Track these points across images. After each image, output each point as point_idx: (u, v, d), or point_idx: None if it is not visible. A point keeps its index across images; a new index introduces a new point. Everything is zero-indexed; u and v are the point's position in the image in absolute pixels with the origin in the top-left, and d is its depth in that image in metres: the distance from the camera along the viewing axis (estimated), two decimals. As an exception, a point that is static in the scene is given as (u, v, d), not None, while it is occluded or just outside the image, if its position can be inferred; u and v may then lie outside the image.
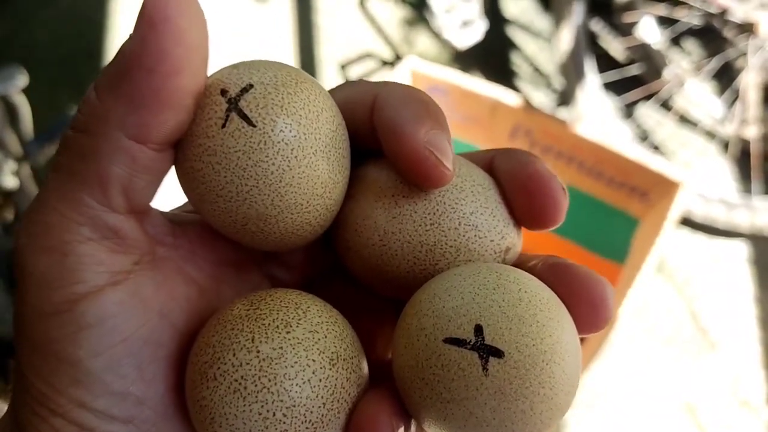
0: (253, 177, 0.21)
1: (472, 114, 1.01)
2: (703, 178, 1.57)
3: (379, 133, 0.23)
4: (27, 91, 1.25)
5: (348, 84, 0.25)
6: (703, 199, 1.45)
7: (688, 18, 1.48)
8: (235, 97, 0.21)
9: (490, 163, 0.25)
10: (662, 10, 1.50)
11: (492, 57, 1.73)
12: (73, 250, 0.20)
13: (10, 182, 1.21)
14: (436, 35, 1.65)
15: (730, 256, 1.49)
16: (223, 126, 0.21)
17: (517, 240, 0.24)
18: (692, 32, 1.59)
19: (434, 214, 0.23)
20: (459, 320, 0.20)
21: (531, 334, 0.20)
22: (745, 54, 1.42)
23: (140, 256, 0.22)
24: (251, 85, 0.21)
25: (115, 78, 0.20)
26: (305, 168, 0.21)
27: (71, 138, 0.20)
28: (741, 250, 1.49)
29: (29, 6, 1.84)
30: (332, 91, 0.24)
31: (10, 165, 1.21)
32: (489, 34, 1.63)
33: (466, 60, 1.70)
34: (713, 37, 1.52)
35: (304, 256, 0.27)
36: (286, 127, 0.21)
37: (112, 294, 0.21)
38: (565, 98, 1.58)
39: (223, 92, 0.21)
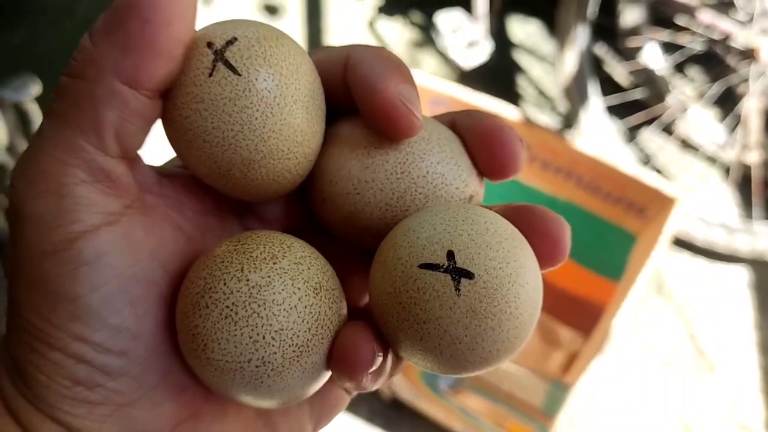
0: (238, 122, 0.22)
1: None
2: (704, 203, 1.57)
3: (352, 89, 0.24)
4: (40, 98, 1.28)
5: (321, 48, 0.26)
6: (704, 223, 1.46)
7: (692, 44, 1.49)
8: (221, 49, 0.22)
9: (452, 123, 0.26)
10: (666, 35, 1.52)
11: (497, 79, 1.75)
12: (70, 192, 0.21)
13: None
14: (443, 55, 1.68)
15: (730, 280, 1.49)
16: (210, 75, 0.22)
17: (480, 189, 0.26)
18: (695, 58, 1.61)
19: (404, 163, 0.25)
20: (432, 247, 0.22)
21: (498, 258, 0.21)
22: (746, 80, 1.43)
23: (131, 201, 0.23)
24: (236, 38, 0.23)
25: (110, 26, 0.21)
26: (286, 115, 0.23)
27: (66, 84, 0.22)
28: (741, 274, 1.49)
29: (47, 17, 1.88)
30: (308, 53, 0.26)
31: (21, 169, 1.23)
32: (495, 56, 1.65)
33: (472, 81, 1.72)
34: (716, 63, 1.54)
35: (280, 210, 0.28)
36: (268, 77, 0.22)
37: (106, 233, 0.22)
38: (568, 121, 1.60)
39: (209, 44, 0.22)
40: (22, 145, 1.26)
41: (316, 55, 0.26)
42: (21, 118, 1.27)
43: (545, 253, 0.23)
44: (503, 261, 0.21)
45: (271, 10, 1.90)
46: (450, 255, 0.22)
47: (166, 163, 0.28)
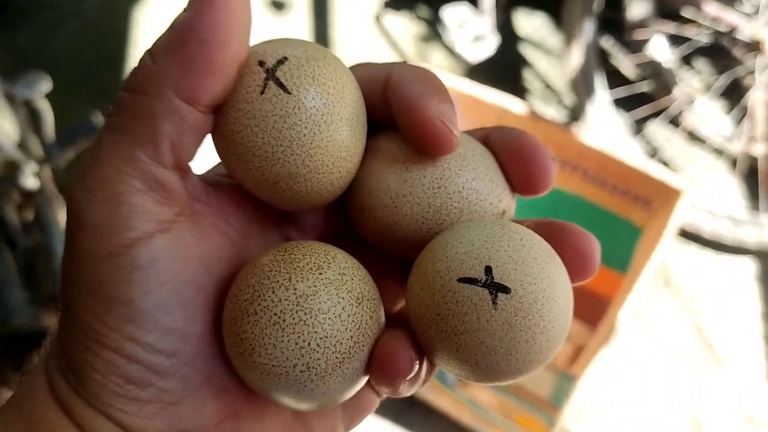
0: (287, 138, 0.23)
1: (480, 121, 1.04)
2: (711, 195, 1.58)
3: (393, 107, 0.26)
4: (50, 97, 1.29)
5: (362, 65, 0.27)
6: (710, 215, 1.46)
7: (698, 36, 1.49)
8: (272, 68, 0.23)
9: (486, 138, 0.28)
10: (672, 28, 1.52)
11: (504, 72, 1.76)
12: (127, 200, 0.23)
13: (31, 183, 1.24)
14: (449, 50, 1.68)
15: (737, 273, 1.49)
16: (262, 92, 0.23)
17: (512, 204, 0.27)
18: (702, 50, 1.61)
19: (441, 179, 0.26)
20: (471, 262, 0.23)
21: (533, 274, 0.23)
22: (753, 72, 1.43)
23: (182, 209, 0.24)
24: (286, 58, 0.24)
25: (170, 46, 0.22)
26: (332, 132, 0.24)
27: (126, 98, 0.23)
28: (748, 266, 1.50)
29: (56, 17, 1.90)
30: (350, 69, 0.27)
31: (32, 166, 1.24)
32: (502, 50, 1.66)
33: (479, 75, 1.73)
34: (722, 55, 1.54)
35: (319, 219, 0.30)
36: (317, 96, 0.24)
37: (160, 240, 0.23)
38: (575, 114, 1.60)
39: (261, 63, 0.24)
40: (33, 141, 1.27)
41: (358, 71, 0.27)
42: (32, 114, 1.29)
43: (576, 268, 0.24)
44: (538, 277, 0.23)
45: (278, 5, 1.90)
46: (488, 270, 0.23)
47: (209, 171, 0.29)
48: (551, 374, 1.02)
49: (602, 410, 1.33)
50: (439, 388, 1.21)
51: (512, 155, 0.26)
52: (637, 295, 0.99)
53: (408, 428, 1.31)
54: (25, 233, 1.22)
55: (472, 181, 0.26)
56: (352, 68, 0.27)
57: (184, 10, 0.23)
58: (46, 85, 1.27)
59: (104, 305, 0.23)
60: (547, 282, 0.23)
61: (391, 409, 1.32)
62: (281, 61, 0.24)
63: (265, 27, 1.86)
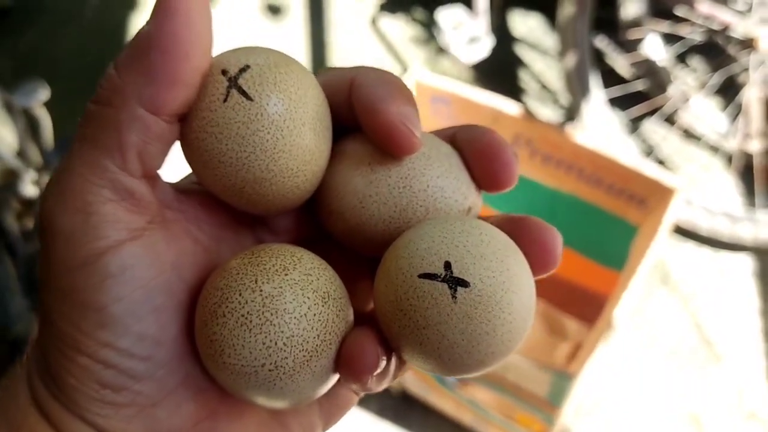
0: (250, 144, 0.24)
1: (474, 123, 1.04)
2: (707, 192, 1.58)
3: (356, 110, 0.26)
4: (49, 102, 1.29)
5: (327, 69, 0.28)
6: (707, 212, 1.47)
7: (692, 35, 1.50)
8: (234, 76, 0.24)
9: (453, 137, 0.28)
10: (666, 27, 1.53)
11: (500, 74, 1.76)
12: (97, 210, 0.23)
13: (30, 191, 1.25)
14: (445, 52, 1.69)
15: (735, 269, 1.50)
16: (225, 101, 0.24)
17: (478, 201, 0.28)
18: (696, 49, 1.61)
19: (406, 178, 0.26)
20: (431, 258, 0.23)
21: (492, 268, 0.23)
22: (747, 69, 1.43)
23: (152, 217, 0.25)
24: (248, 66, 0.24)
25: (133, 57, 0.23)
26: (295, 137, 0.25)
27: (93, 110, 0.24)
28: (745, 263, 1.50)
29: (54, 22, 1.91)
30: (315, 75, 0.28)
31: (31, 174, 1.25)
32: (497, 51, 1.66)
33: (475, 76, 1.74)
34: (716, 53, 1.54)
35: (290, 222, 0.30)
36: (279, 101, 0.24)
37: (131, 247, 0.24)
38: (571, 114, 1.61)
39: (224, 72, 0.24)
40: (32, 150, 1.28)
41: (323, 76, 0.27)
42: (30, 123, 1.29)
43: (538, 260, 0.25)
44: (497, 270, 0.23)
45: (274, 9, 1.91)
46: (447, 265, 0.23)
47: (181, 180, 0.30)
48: (547, 373, 1.03)
49: (602, 407, 1.34)
50: (438, 389, 1.21)
51: (476, 153, 0.27)
52: (633, 293, 1.00)
53: (408, 428, 1.31)
54: (25, 241, 1.23)
55: (437, 179, 0.26)
56: (318, 74, 0.28)
57: (146, 23, 0.23)
58: (44, 93, 1.28)
59: (78, 312, 0.23)
60: (506, 275, 0.23)
61: (391, 410, 1.32)
62: (243, 69, 0.24)
63: (261, 32, 1.87)
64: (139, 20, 1.87)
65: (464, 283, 0.23)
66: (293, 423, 0.29)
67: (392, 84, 0.26)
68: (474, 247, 0.23)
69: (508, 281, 0.23)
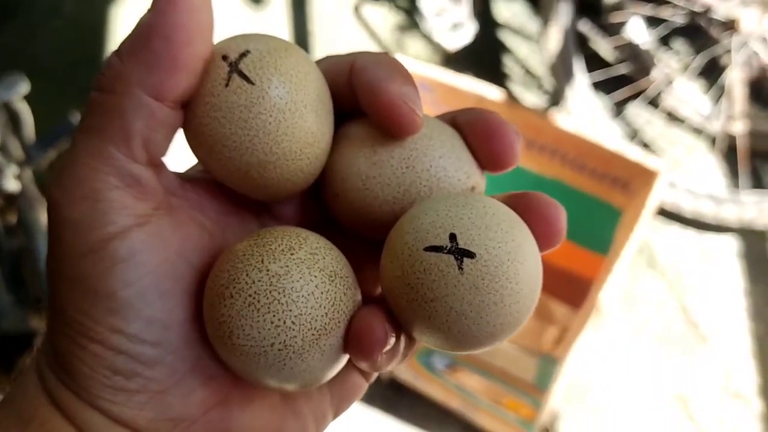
0: (253, 128, 0.24)
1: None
2: (691, 174, 1.59)
3: (358, 92, 0.26)
4: (31, 97, 1.28)
5: (327, 57, 0.28)
6: (691, 194, 1.48)
7: (674, 17, 1.50)
8: (235, 61, 0.24)
9: (453, 120, 0.28)
10: (649, 10, 1.53)
11: (484, 59, 1.76)
12: (104, 196, 0.23)
13: (13, 186, 1.24)
14: (428, 38, 1.69)
15: (720, 251, 1.51)
16: (227, 85, 0.24)
17: (481, 180, 0.28)
18: (678, 31, 1.62)
19: (408, 159, 0.27)
20: (436, 231, 0.24)
21: (497, 238, 0.23)
22: (729, 51, 1.44)
23: (158, 203, 0.25)
24: (248, 51, 0.25)
25: (136, 45, 0.23)
26: (297, 119, 0.25)
27: (96, 98, 0.24)
28: (730, 244, 1.51)
29: (35, 17, 1.89)
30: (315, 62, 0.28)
31: (13, 169, 1.24)
32: (481, 37, 1.66)
33: (458, 62, 1.73)
34: (699, 35, 1.54)
35: (294, 209, 0.30)
36: (280, 84, 0.25)
37: (138, 233, 0.24)
38: (555, 98, 1.61)
39: (224, 57, 0.25)
40: (13, 144, 1.27)
41: (323, 63, 0.28)
42: (11, 116, 1.28)
43: (542, 234, 0.25)
44: (502, 240, 0.23)
45: (256, 0, 1.90)
46: (452, 237, 0.23)
47: (187, 170, 0.30)
48: (533, 357, 1.03)
49: (591, 391, 1.35)
50: (427, 376, 1.22)
51: (478, 133, 0.27)
52: (618, 276, 1.00)
53: (397, 416, 1.32)
54: (9, 236, 1.23)
55: (440, 159, 0.27)
56: (318, 62, 0.28)
57: (148, 10, 0.23)
58: (24, 86, 1.26)
59: (88, 299, 0.23)
60: (512, 245, 0.23)
61: (381, 398, 1.33)
62: (243, 54, 0.25)
63: (243, 22, 1.86)
64: (119, 15, 1.86)
65: (470, 254, 0.23)
66: (305, 409, 0.29)
67: (392, 65, 0.26)
68: (478, 219, 0.24)
69: (514, 251, 0.23)
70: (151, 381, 0.24)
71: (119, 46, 0.24)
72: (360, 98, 0.26)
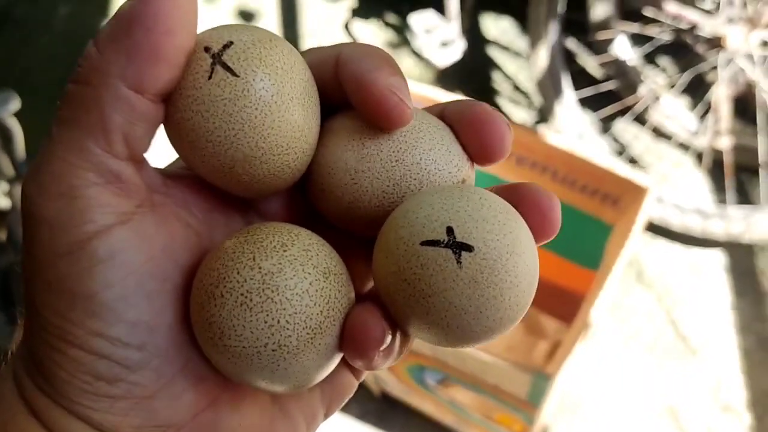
0: (238, 122, 0.23)
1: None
2: (679, 190, 1.60)
3: (345, 84, 0.25)
4: (22, 112, 1.27)
5: (312, 49, 0.27)
6: (679, 209, 1.49)
7: (660, 35, 1.52)
8: (218, 52, 0.23)
9: (441, 113, 0.28)
10: (635, 27, 1.55)
11: (472, 76, 1.78)
12: (82, 194, 0.22)
13: (3, 202, 1.24)
14: (417, 55, 1.70)
15: (708, 265, 1.52)
16: (210, 77, 0.23)
17: (471, 173, 0.27)
18: (665, 48, 1.64)
19: (398, 152, 0.26)
20: (432, 225, 0.23)
21: (494, 231, 0.22)
22: (715, 68, 1.46)
23: (140, 201, 0.24)
24: (232, 42, 0.23)
25: (115, 34, 0.22)
26: (284, 112, 0.24)
27: (73, 90, 0.22)
28: (718, 258, 1.52)
29: (25, 31, 1.89)
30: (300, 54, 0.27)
31: (3, 186, 1.24)
32: (470, 54, 1.67)
33: (448, 79, 1.75)
34: (685, 52, 1.56)
35: (280, 206, 0.29)
36: (265, 77, 0.23)
37: (119, 232, 0.22)
38: (543, 114, 1.63)
39: (207, 49, 0.23)
40: (4, 161, 1.26)
41: (308, 55, 0.27)
42: (2, 133, 1.28)
43: (537, 225, 0.24)
44: (500, 233, 0.22)
45: (247, 16, 1.91)
46: (449, 231, 0.22)
47: (167, 166, 0.29)
48: (526, 374, 1.03)
49: (581, 403, 1.35)
50: (419, 391, 1.22)
51: (467, 124, 0.26)
52: (609, 291, 1.01)
53: (390, 431, 1.32)
54: (-1, 253, 1.22)
55: (429, 152, 0.26)
56: (303, 53, 0.27)
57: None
58: (15, 103, 1.26)
59: (66, 301, 0.22)
60: (509, 237, 0.23)
61: (374, 413, 1.33)
62: (227, 46, 0.23)
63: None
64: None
65: (468, 248, 0.22)
66: (295, 410, 0.28)
67: (379, 56, 0.26)
68: (475, 212, 0.23)
69: (512, 244, 0.22)
70: (135, 386, 0.23)
71: (97, 36, 0.22)
72: (347, 90, 0.25)
